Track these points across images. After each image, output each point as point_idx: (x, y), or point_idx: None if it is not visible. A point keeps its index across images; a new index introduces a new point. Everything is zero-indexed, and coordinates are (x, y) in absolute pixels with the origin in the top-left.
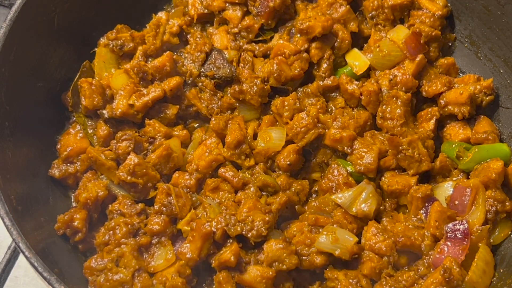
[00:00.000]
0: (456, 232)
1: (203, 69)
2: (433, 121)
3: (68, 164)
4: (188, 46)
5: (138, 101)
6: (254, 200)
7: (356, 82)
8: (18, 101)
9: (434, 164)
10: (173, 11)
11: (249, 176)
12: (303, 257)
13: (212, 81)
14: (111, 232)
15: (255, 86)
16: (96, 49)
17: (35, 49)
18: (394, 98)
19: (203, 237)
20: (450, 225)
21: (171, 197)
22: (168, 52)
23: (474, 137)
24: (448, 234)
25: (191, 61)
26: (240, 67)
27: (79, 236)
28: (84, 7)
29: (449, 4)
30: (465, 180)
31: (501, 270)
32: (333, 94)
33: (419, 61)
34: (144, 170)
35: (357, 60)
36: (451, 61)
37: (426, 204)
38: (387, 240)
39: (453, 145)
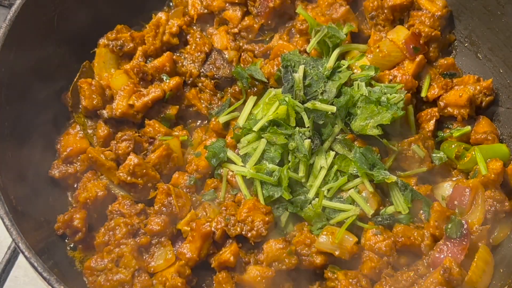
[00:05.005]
0: None
1: (203, 69)
2: (433, 121)
3: (68, 164)
4: (188, 46)
5: (138, 101)
6: (254, 200)
7: None
8: (18, 101)
9: (434, 164)
10: (173, 11)
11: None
12: (303, 257)
13: (212, 81)
14: (111, 232)
15: (255, 87)
16: (96, 49)
17: (35, 49)
18: None
19: (203, 237)
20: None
21: (171, 197)
22: (168, 52)
23: (474, 138)
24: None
25: (191, 61)
26: None
27: (79, 236)
28: (84, 7)
29: (448, 5)
30: (464, 180)
31: (501, 270)
32: None
33: (418, 62)
34: (144, 171)
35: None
36: (451, 61)
37: None
38: (387, 240)
39: (453, 145)
